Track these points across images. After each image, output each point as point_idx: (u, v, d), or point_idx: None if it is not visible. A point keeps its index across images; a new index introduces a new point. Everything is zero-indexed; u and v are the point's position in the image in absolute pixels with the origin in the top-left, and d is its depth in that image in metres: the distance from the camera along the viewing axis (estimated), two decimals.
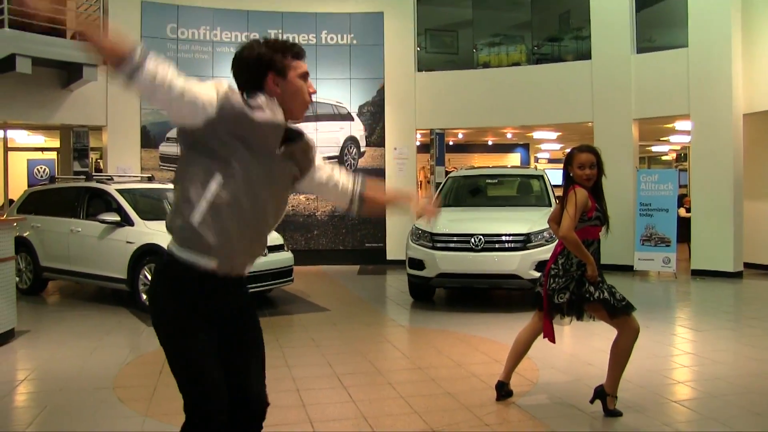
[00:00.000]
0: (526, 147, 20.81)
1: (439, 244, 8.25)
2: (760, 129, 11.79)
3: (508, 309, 8.55)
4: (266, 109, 2.43)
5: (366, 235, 13.34)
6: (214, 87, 2.35)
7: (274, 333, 7.04)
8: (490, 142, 20.28)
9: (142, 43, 2.17)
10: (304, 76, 2.56)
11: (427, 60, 14.41)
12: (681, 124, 13.89)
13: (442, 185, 10.37)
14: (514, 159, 20.40)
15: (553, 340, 4.68)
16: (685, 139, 15.13)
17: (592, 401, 4.53)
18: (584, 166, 4.36)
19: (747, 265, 11.55)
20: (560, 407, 4.72)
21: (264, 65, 2.48)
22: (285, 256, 8.87)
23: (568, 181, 4.44)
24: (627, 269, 11.61)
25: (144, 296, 7.92)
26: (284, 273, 8.80)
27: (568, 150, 4.50)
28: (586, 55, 12.75)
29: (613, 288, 4.41)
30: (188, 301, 2.44)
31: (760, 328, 7.44)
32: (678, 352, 6.34)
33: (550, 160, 23.11)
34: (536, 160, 21.81)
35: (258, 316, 2.73)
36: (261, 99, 2.44)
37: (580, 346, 6.69)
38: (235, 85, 2.49)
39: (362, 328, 7.46)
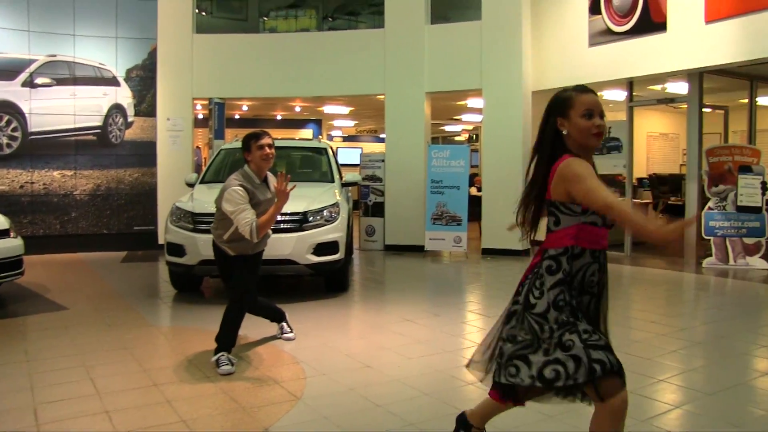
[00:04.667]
0: (318, 123, 19.88)
1: (202, 226, 6.92)
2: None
3: (298, 298, 7.50)
4: None
5: (134, 217, 11.67)
6: None
7: None
8: (279, 117, 19.08)
9: None
10: None
11: (211, 25, 12.96)
12: (473, 102, 13.62)
13: (212, 158, 9.07)
14: (306, 135, 19.40)
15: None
16: (477, 118, 14.95)
17: None
18: (593, 114, 2.67)
19: (534, 242, 11.41)
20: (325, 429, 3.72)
21: None
22: (11, 244, 7.12)
23: (552, 146, 2.74)
24: (415, 249, 11.05)
25: None
26: (10, 265, 7.04)
27: (559, 94, 2.78)
28: (380, 24, 11.95)
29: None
30: None
31: None
32: (469, 344, 5.59)
33: (345, 138, 22.48)
34: (330, 137, 21.00)
35: None
36: None
37: (360, 342, 5.79)
38: None
39: (99, 333, 5.94)
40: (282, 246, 6.94)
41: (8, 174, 10.93)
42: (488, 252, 10.96)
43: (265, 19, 13.07)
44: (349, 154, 19.44)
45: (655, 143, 15.85)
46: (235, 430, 3.71)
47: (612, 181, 11.73)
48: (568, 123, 2.69)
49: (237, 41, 12.37)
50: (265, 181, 5.02)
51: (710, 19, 8.98)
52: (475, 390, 4.35)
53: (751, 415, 4.00)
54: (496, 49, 11.03)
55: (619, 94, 11.56)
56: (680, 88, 11.08)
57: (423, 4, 11.50)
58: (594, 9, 10.54)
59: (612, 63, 10.26)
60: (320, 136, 18.54)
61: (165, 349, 5.53)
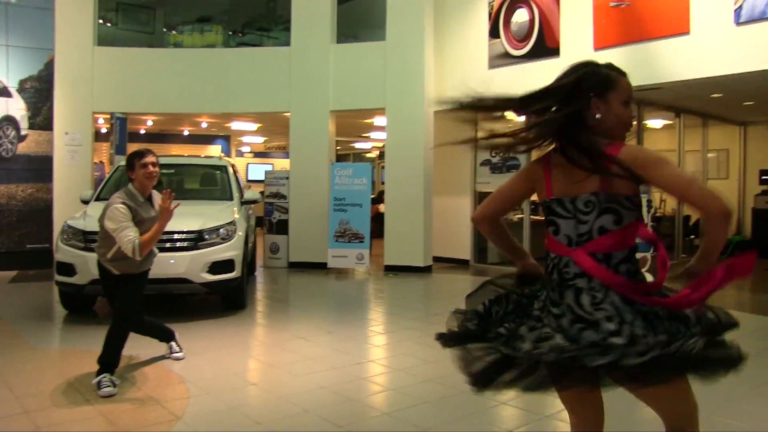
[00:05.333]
0: (227, 139, 19.69)
1: (93, 245, 6.74)
2: (448, 127, 11.93)
3: (194, 316, 7.41)
4: None
5: (27, 234, 11.22)
6: None
7: None
8: (186, 132, 18.80)
9: None
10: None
11: (117, 37, 12.69)
12: (379, 120, 13.82)
13: (110, 175, 8.88)
14: (215, 151, 19.18)
15: None
16: (385, 136, 15.17)
17: None
18: (629, 103, 2.33)
19: (436, 258, 11.69)
20: None
21: None
22: None
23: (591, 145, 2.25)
24: (320, 267, 11.09)
25: None
26: None
27: (596, 69, 2.33)
28: (287, 42, 11.99)
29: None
30: None
31: (442, 325, 7.14)
32: (357, 361, 5.67)
33: (256, 154, 22.36)
34: (240, 154, 20.85)
35: None
36: None
37: (249, 360, 5.79)
38: None
39: None
40: (176, 265, 6.87)
41: None
42: (391, 269, 11.10)
43: (173, 32, 12.92)
44: (259, 171, 19.32)
45: None
46: None
47: None
48: (605, 107, 2.24)
49: (141, 55, 12.16)
50: (149, 199, 4.99)
51: (598, 46, 9.45)
52: (355, 406, 4.44)
53: None
54: (400, 69, 11.25)
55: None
56: None
57: (329, 23, 11.63)
58: (494, 33, 10.93)
59: (510, 85, 10.27)
60: (222, 154, 18.33)
61: (46, 373, 5.35)
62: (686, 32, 8.45)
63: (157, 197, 5.01)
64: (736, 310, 7.43)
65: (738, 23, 7.93)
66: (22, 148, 11.23)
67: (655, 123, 13.52)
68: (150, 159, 4.90)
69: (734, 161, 14.25)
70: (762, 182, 13.56)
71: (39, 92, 11.39)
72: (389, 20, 11.33)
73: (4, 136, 11.09)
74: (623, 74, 2.31)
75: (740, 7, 7.90)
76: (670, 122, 12.45)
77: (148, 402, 4.48)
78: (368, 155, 22.03)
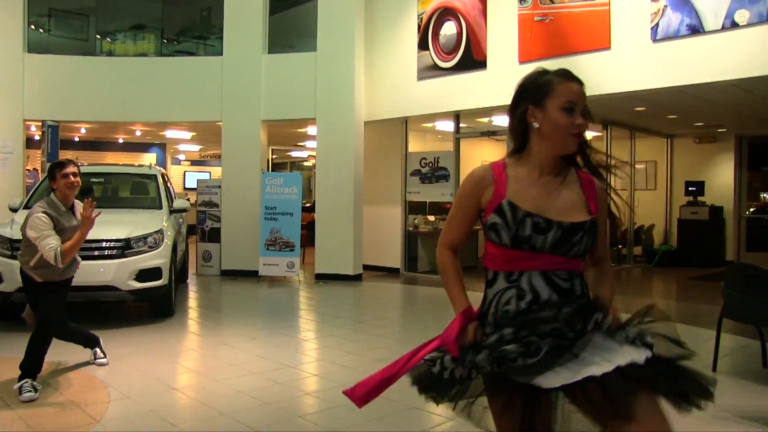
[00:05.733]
0: (162, 147, 19.67)
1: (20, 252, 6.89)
2: (378, 137, 12.35)
3: (122, 323, 7.55)
4: None
5: None
6: None
7: None
8: (121, 140, 18.72)
9: None
10: None
11: (50, 44, 12.66)
12: (313, 129, 14.05)
13: (38, 184, 8.94)
14: (150, 159, 19.13)
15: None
16: None
17: None
18: (575, 109, 2.19)
19: (367, 267, 12.00)
20: None
21: None
22: None
23: (522, 142, 2.28)
24: (252, 275, 11.29)
25: None
26: None
27: (536, 76, 2.26)
28: (220, 52, 12.17)
29: None
30: None
31: (365, 332, 7.48)
32: (275, 366, 5.93)
33: (193, 162, 22.36)
34: (177, 161, 20.84)
35: None
36: None
37: (172, 366, 6.00)
38: None
39: None
40: (104, 272, 7.03)
41: None
42: (321, 277, 11.36)
43: (108, 39, 12.96)
44: (196, 179, 19.34)
45: None
46: None
47: (441, 209, 12.54)
48: (542, 114, 2.16)
49: (73, 63, 12.18)
50: (72, 208, 5.18)
51: (523, 59, 9.80)
52: (269, 410, 4.71)
53: None
54: (330, 79, 11.53)
55: (449, 126, 12.30)
56: (504, 121, 11.97)
57: (261, 32, 11.86)
58: (422, 45, 11.27)
59: (438, 96, 11.00)
60: (152, 163, 18.33)
61: None
62: (607, 47, 8.85)
63: (79, 206, 5.19)
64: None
65: (655, 40, 8.38)
66: None
67: (588, 134, 14.07)
68: (71, 169, 5.09)
69: (661, 172, 14.91)
70: (687, 193, 14.21)
71: None
72: (320, 31, 11.61)
73: None
74: (570, 79, 2.19)
75: (657, 24, 8.35)
76: (599, 134, 13.00)
77: (69, 406, 4.67)
78: (306, 164, 22.25)
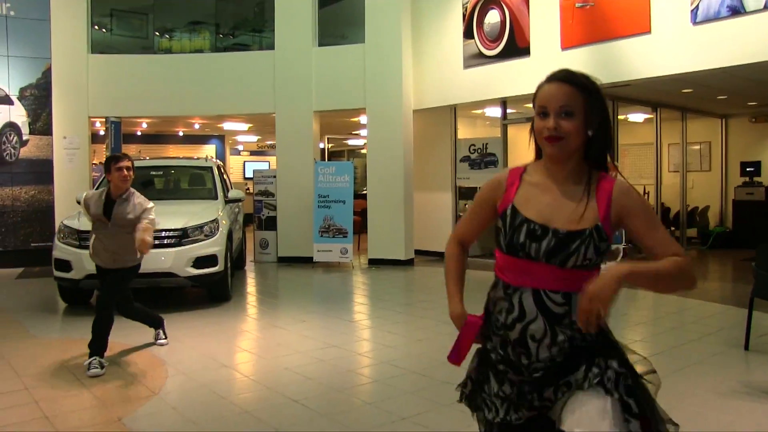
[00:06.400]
0: (221, 138, 20.33)
1: (87, 243, 7.39)
2: (427, 125, 12.58)
3: (182, 307, 8.14)
4: None
5: (31, 233, 11.91)
6: None
7: None
8: (181, 133, 19.44)
9: None
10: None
11: (112, 42, 13.32)
12: (365, 119, 14.35)
13: (103, 177, 9.50)
14: (210, 150, 19.83)
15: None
16: None
17: None
18: (548, 112, 2.08)
19: (418, 252, 12.29)
20: (172, 423, 4.34)
21: None
22: None
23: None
24: (308, 261, 11.71)
25: None
26: None
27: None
28: (271, 46, 12.60)
29: None
30: None
31: (410, 314, 7.80)
32: (320, 345, 6.30)
33: (252, 152, 22.99)
34: (237, 152, 21.47)
35: None
36: None
37: (225, 346, 6.43)
38: None
39: None
40: (164, 260, 7.52)
41: None
42: (374, 262, 11.71)
43: (166, 37, 13.53)
44: (253, 169, 19.98)
45: None
46: (92, 421, 4.31)
47: None
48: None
49: (132, 61, 12.80)
50: (127, 198, 5.59)
51: (565, 46, 9.89)
52: (308, 384, 5.06)
53: None
54: (378, 70, 11.83)
55: (498, 111, 12.41)
56: None
57: (310, 26, 12.22)
58: (467, 34, 11.43)
59: (484, 84, 11.16)
60: (209, 155, 18.93)
61: (44, 357, 5.98)
62: (647, 31, 8.84)
63: (139, 199, 5.59)
64: (719, 302, 8.03)
65: (695, 23, 8.35)
66: (24, 152, 11.91)
67: (636, 117, 14.01)
68: (125, 163, 5.54)
69: (716, 153, 14.70)
70: (743, 174, 14.00)
71: (38, 99, 12.04)
72: (368, 23, 11.91)
73: (8, 141, 11.76)
74: (549, 81, 2.10)
75: (696, 7, 8.31)
76: (650, 116, 12.92)
77: (131, 381, 5.13)
78: (362, 151, 22.60)
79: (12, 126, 11.82)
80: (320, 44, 12.36)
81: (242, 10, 14.60)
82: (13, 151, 11.83)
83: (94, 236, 5.67)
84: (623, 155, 14.44)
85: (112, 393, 4.84)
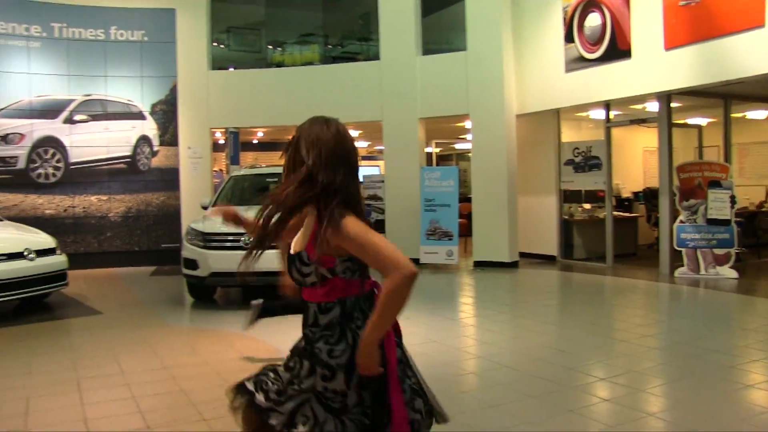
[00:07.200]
0: None
1: (211, 244, 8.23)
2: (530, 129, 12.78)
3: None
4: None
5: (162, 235, 13.04)
6: None
7: (36, 338, 6.89)
8: None
9: None
10: None
11: (229, 57, 14.33)
12: (470, 124, 14.68)
13: (224, 184, 10.35)
14: None
15: None
16: None
17: None
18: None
19: (523, 254, 12.50)
20: None
21: None
22: (57, 260, 8.52)
23: None
24: (415, 263, 12.08)
25: None
26: (57, 277, 8.47)
27: None
28: (377, 56, 13.20)
29: None
30: None
31: (510, 314, 8.11)
32: (423, 340, 6.73)
33: (364, 158, 23.72)
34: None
35: None
36: None
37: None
38: None
39: (125, 332, 7.23)
40: (277, 259, 8.15)
41: (54, 199, 12.46)
42: (479, 264, 12.01)
43: (278, 50, 14.41)
44: (369, 172, 20.80)
45: (652, 158, 16.70)
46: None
47: (596, 197, 12.69)
48: None
49: (248, 76, 13.73)
50: None
51: (669, 46, 9.71)
52: None
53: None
54: (481, 76, 12.13)
55: (602, 114, 12.35)
56: (655, 107, 11.87)
57: (413, 36, 12.70)
58: (568, 38, 11.49)
59: (586, 87, 11.22)
60: None
61: (179, 344, 6.73)
62: (761, 25, 8.44)
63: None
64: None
65: None
66: (155, 162, 13.07)
67: (757, 114, 13.48)
68: None
69: None
70: None
71: (166, 114, 13.17)
72: (469, 31, 12.25)
73: (141, 152, 12.96)
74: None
75: None
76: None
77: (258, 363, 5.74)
78: (470, 155, 22.89)
79: (145, 139, 13.00)
80: (424, 53, 12.80)
81: (348, 22, 15.29)
82: (146, 161, 12.99)
83: None
84: (742, 154, 14.01)
85: (230, 365, 5.46)
